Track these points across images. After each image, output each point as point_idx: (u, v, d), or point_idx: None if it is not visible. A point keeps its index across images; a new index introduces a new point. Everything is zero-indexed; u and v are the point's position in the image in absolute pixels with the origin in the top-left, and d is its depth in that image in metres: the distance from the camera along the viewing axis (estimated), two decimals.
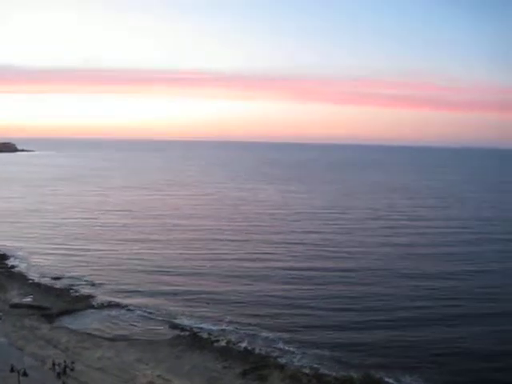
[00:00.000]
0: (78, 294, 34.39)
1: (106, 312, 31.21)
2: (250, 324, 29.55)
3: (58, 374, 22.38)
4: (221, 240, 50.85)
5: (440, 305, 32.98)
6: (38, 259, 42.88)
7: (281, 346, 26.87)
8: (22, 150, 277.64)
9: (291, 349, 26.48)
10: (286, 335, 28.09)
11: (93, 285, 36.24)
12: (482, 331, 28.64)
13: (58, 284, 36.42)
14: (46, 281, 37.00)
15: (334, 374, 23.87)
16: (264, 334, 28.25)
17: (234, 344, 26.89)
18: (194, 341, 27.10)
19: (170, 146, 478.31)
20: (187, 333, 28.17)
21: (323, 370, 24.17)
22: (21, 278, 37.66)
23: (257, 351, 26.10)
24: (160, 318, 30.31)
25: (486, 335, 28.08)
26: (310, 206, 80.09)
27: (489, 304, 33.36)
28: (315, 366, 24.64)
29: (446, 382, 23.52)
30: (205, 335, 27.86)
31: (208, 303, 32.90)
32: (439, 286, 37.14)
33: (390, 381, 23.43)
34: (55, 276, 38.11)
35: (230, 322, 29.67)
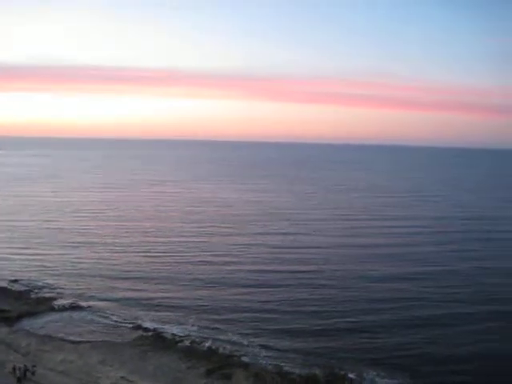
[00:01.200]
0: (38, 296, 34.02)
1: (67, 314, 31.03)
2: (213, 325, 29.94)
3: (19, 379, 22.20)
4: (182, 242, 50.69)
5: (403, 306, 33.85)
6: None
7: (245, 345, 27.34)
8: None
9: (255, 348, 26.97)
10: (249, 335, 28.59)
11: (53, 288, 35.85)
12: (445, 333, 29.60)
13: (17, 287, 35.81)
14: (3, 284, 36.17)
15: (297, 371, 24.45)
16: (228, 334, 28.70)
17: (197, 344, 27.20)
18: (158, 341, 27.30)
19: (128, 145, 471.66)
20: (150, 334, 28.36)
21: (287, 369, 24.76)
22: None
23: (221, 351, 26.50)
24: (123, 320, 30.37)
25: (450, 336, 29.06)
26: (274, 205, 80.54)
27: (453, 304, 34.40)
28: (279, 364, 25.18)
29: (409, 378, 24.25)
30: (168, 336, 28.09)
31: (171, 305, 33.10)
32: (403, 287, 37.99)
33: (353, 377, 24.12)
34: (14, 279, 37.34)
35: (194, 324, 29.99)
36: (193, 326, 29.56)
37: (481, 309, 33.13)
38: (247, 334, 28.61)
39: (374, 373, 24.49)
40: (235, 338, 28.12)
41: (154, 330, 28.74)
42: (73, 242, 49.77)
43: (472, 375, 24.65)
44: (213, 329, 29.27)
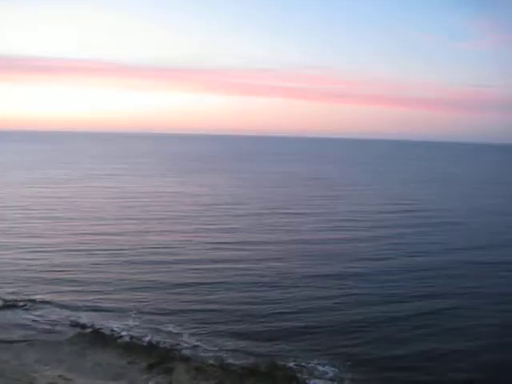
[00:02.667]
0: None
1: (0, 313, 30.09)
2: (154, 320, 30.06)
3: None
4: (119, 240, 49.88)
5: (345, 302, 34.50)
6: None
7: (186, 339, 27.73)
8: None
9: (196, 341, 27.38)
10: (190, 328, 28.98)
11: None
12: (389, 326, 30.55)
13: None
14: None
15: (239, 363, 25.01)
16: (168, 328, 28.96)
17: (137, 339, 27.32)
18: (96, 338, 27.23)
19: (59, 138, 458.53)
20: (89, 330, 28.23)
21: (229, 360, 25.31)
22: None
23: (161, 345, 26.76)
24: (60, 318, 30.02)
25: (394, 331, 29.97)
26: (210, 200, 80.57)
27: (394, 290, 35.90)
28: (221, 356, 25.69)
29: (351, 367, 25.10)
30: (107, 332, 28.05)
31: (110, 303, 32.81)
32: (346, 283, 38.62)
33: (294, 366, 24.89)
34: None
35: (134, 319, 30.02)
36: (133, 321, 29.65)
37: (421, 305, 34.12)
38: (188, 329, 28.93)
39: (316, 361, 25.37)
40: (176, 332, 28.43)
41: (93, 326, 28.62)
42: (14, 238, 48.63)
43: (412, 367, 25.69)
44: (153, 324, 29.44)
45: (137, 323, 29.30)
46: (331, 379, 23.69)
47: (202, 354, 25.88)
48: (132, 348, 26.10)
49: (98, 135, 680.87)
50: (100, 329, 28.30)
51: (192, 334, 28.08)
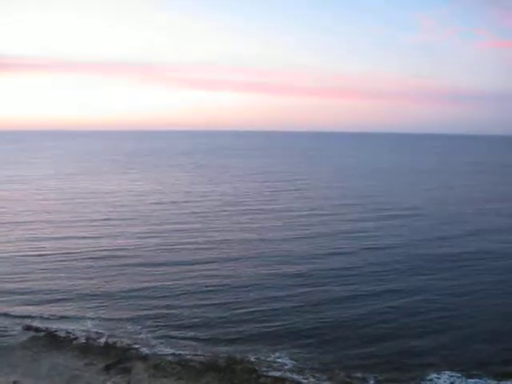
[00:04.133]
0: None
1: None
2: (110, 320, 30.27)
3: None
4: (70, 238, 49.55)
5: (302, 292, 35.39)
6: None
7: (143, 337, 28.05)
8: None
9: (154, 340, 27.72)
10: (147, 328, 29.25)
11: None
12: (351, 314, 31.63)
13: None
14: None
15: (198, 359, 25.49)
16: (124, 327, 29.24)
17: (94, 340, 27.44)
18: (51, 341, 27.23)
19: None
20: (43, 333, 28.17)
21: (188, 357, 25.77)
22: None
23: (118, 345, 26.98)
24: (12, 321, 29.83)
25: (354, 317, 31.12)
26: (164, 195, 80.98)
27: (353, 287, 36.45)
28: (179, 353, 26.14)
29: (310, 358, 25.87)
30: (62, 334, 28.05)
31: (63, 304, 32.80)
32: (304, 271, 39.89)
33: (254, 359, 25.55)
34: None
35: (89, 320, 30.11)
36: (89, 323, 29.66)
37: (379, 301, 34.87)
38: (146, 328, 29.21)
39: (276, 355, 26.04)
40: (133, 330, 28.74)
41: (47, 329, 28.57)
42: None
43: (368, 356, 26.61)
44: (109, 324, 29.65)
45: (93, 325, 29.39)
46: (290, 370, 24.48)
47: (160, 351, 26.25)
48: (88, 349, 26.23)
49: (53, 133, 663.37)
50: (55, 332, 28.25)
51: (149, 333, 28.39)
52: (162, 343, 27.20)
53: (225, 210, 66.16)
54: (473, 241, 50.44)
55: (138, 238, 50.10)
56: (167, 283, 36.74)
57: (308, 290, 35.62)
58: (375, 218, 61.67)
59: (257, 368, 24.41)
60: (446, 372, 24.45)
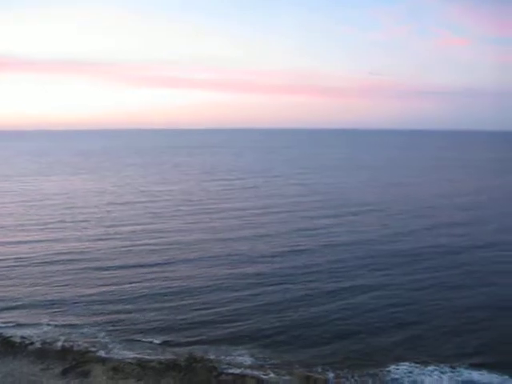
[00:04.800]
0: None
1: None
2: (66, 323, 30.13)
3: None
4: (23, 243, 48.63)
5: (261, 292, 35.74)
6: None
7: (100, 340, 28.02)
8: None
9: (112, 342, 27.73)
10: (104, 330, 29.22)
11: None
12: (310, 312, 32.11)
13: None
14: None
15: (158, 359, 25.64)
16: (81, 331, 29.10)
17: (50, 344, 27.29)
18: (6, 347, 26.92)
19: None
20: None
21: (147, 357, 25.90)
22: None
23: (75, 348, 26.88)
24: None
25: (316, 316, 31.56)
26: (118, 196, 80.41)
27: (311, 285, 36.98)
28: (138, 354, 26.26)
29: (270, 354, 26.43)
30: (17, 340, 27.74)
31: (17, 309, 32.40)
32: (262, 270, 40.38)
33: (213, 357, 25.86)
34: None
35: (43, 325, 29.83)
36: (44, 327, 29.41)
37: (335, 286, 36.39)
38: (103, 330, 29.18)
39: (236, 352, 26.46)
40: (90, 334, 28.66)
41: (1, 335, 28.19)
42: None
43: (327, 347, 27.58)
44: (66, 328, 29.44)
45: (49, 329, 29.16)
46: (250, 367, 24.92)
47: (118, 354, 26.28)
48: (44, 354, 25.99)
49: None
50: (9, 338, 27.89)
51: (107, 336, 28.38)
52: (121, 346, 27.21)
53: (180, 210, 66.16)
54: (428, 235, 51.95)
55: (93, 240, 49.60)
56: (124, 286, 36.59)
57: (267, 289, 36.04)
58: (332, 215, 62.63)
59: (217, 366, 24.74)
60: (405, 363, 25.36)
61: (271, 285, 36.77)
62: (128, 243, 48.43)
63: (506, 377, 24.12)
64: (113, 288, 36.16)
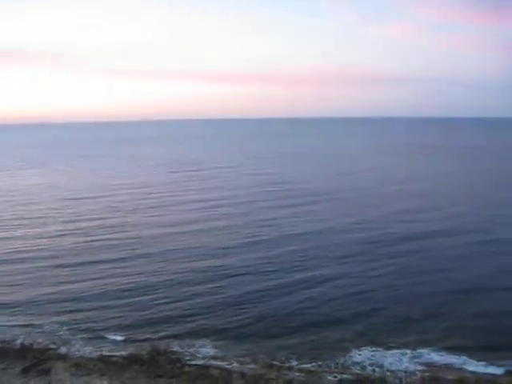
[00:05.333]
0: None
1: None
2: (24, 322, 29.81)
3: None
4: None
5: (227, 282, 36.23)
6: None
7: (61, 337, 27.82)
8: None
9: (73, 339, 27.56)
10: (65, 328, 28.97)
11: None
12: (272, 303, 32.50)
13: None
14: None
15: (120, 354, 25.77)
16: (41, 329, 28.81)
17: (8, 343, 27.00)
18: None
19: None
20: None
21: (109, 353, 25.95)
22: None
23: (35, 346, 26.66)
24: None
25: (278, 307, 31.99)
26: (74, 190, 79.22)
27: (273, 275, 37.45)
28: (100, 349, 26.26)
29: (232, 344, 26.89)
30: None
31: None
32: (223, 263, 40.57)
33: (177, 350, 26.09)
34: None
35: (1, 324, 29.37)
36: (1, 326, 28.97)
37: (293, 280, 36.62)
38: (64, 328, 28.91)
39: (199, 343, 26.83)
40: (50, 331, 28.44)
41: None
42: None
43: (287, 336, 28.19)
44: (25, 326, 29.16)
45: (7, 328, 28.78)
46: (214, 357, 25.26)
47: (80, 350, 26.20)
48: (4, 353, 25.61)
49: None
50: None
51: (68, 333, 28.20)
52: (82, 342, 27.09)
53: (138, 204, 65.74)
54: (389, 222, 53.24)
55: (52, 237, 49.01)
56: (85, 283, 36.28)
57: (228, 281, 36.33)
58: (290, 205, 63.44)
59: (180, 358, 24.99)
60: (367, 348, 26.24)
61: (232, 277, 37.08)
62: (87, 239, 47.96)
63: (465, 357, 25.14)
64: (72, 285, 35.82)
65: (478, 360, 24.86)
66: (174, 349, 26.17)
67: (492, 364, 24.47)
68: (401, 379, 23.00)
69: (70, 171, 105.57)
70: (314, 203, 64.65)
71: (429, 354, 25.55)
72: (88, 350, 26.14)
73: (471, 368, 24.26)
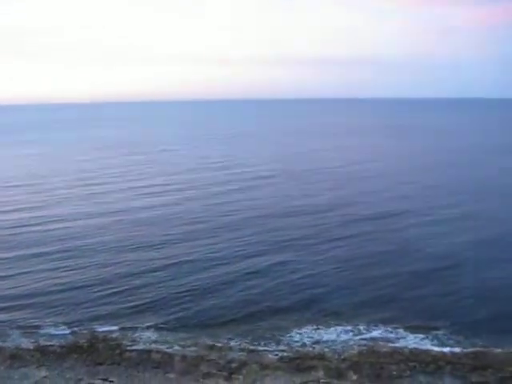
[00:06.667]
0: None
1: None
2: None
3: None
4: None
5: (169, 271, 36.38)
6: None
7: None
8: None
9: (8, 329, 27.33)
10: None
11: None
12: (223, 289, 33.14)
13: None
14: None
15: (59, 343, 25.64)
16: None
17: None
18: None
19: None
20: None
21: (47, 342, 25.80)
22: None
23: None
24: None
25: (216, 294, 32.56)
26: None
27: (217, 262, 37.94)
28: (38, 340, 26.08)
29: (175, 328, 27.38)
30: None
31: None
32: (166, 244, 41.46)
33: (117, 336, 26.31)
34: None
35: None
36: None
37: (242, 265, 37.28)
38: None
39: (140, 328, 27.18)
40: None
41: None
42: None
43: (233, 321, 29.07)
44: None
45: None
46: (155, 342, 25.63)
47: (16, 341, 26.00)
48: None
49: None
50: None
51: (2, 324, 27.94)
52: (18, 333, 26.86)
53: (73, 193, 63.79)
54: (335, 206, 54.73)
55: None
56: (21, 276, 35.63)
57: (170, 270, 36.24)
58: (233, 190, 63.63)
59: (121, 344, 25.18)
60: (307, 327, 27.31)
61: (173, 265, 37.10)
62: (23, 230, 46.91)
63: (402, 332, 26.77)
64: (6, 280, 35.11)
65: (415, 334, 26.45)
66: (114, 335, 26.34)
67: (427, 338, 26.09)
68: (339, 353, 24.14)
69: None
70: (252, 188, 65.11)
71: (367, 330, 26.92)
72: (25, 341, 25.94)
73: (407, 341, 25.74)
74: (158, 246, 41.28)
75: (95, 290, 32.84)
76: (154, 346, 25.16)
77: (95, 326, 27.68)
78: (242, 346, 25.05)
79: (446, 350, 24.65)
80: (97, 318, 28.82)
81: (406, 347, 24.92)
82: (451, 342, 25.63)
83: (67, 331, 27.27)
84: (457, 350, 24.66)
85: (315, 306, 30.29)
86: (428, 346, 25.24)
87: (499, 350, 24.44)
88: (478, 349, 24.71)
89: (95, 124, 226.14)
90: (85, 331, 27.07)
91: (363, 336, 26.35)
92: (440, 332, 26.64)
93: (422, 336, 26.26)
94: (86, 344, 25.27)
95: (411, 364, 23.18)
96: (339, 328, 27.17)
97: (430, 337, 26.20)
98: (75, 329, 27.49)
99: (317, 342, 25.54)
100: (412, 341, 25.78)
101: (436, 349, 24.81)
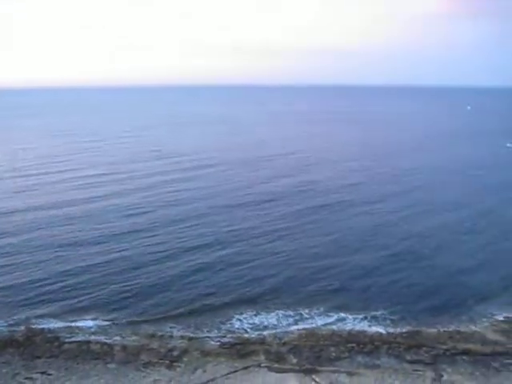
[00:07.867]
0: None
1: None
2: None
3: None
4: None
5: (110, 256, 36.44)
6: None
7: None
8: None
9: None
10: None
11: None
12: (154, 276, 33.37)
13: None
14: None
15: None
16: None
17: None
18: None
19: None
20: None
21: None
22: None
23: None
24: None
25: (160, 281, 32.80)
26: None
27: (156, 247, 38.26)
28: None
29: (116, 321, 27.29)
30: None
31: None
32: (105, 234, 41.17)
33: (54, 328, 26.10)
34: None
35: None
36: None
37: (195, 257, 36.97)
38: None
39: (80, 319, 27.11)
40: None
41: None
42: None
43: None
44: None
45: None
46: (94, 333, 25.60)
47: None
48: None
49: None
50: None
51: None
52: None
53: (16, 183, 60.98)
54: (291, 194, 55.39)
55: None
56: None
57: (109, 258, 36.18)
58: (178, 179, 63.15)
59: (59, 336, 25.07)
60: (248, 313, 28.03)
61: (115, 260, 36.42)
62: None
63: (342, 315, 27.87)
64: None
65: (353, 316, 27.61)
66: (52, 328, 26.11)
67: (365, 319, 27.28)
68: (279, 338, 24.88)
69: None
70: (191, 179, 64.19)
71: (309, 314, 27.76)
72: None
73: (346, 324, 26.81)
74: (97, 241, 40.12)
75: (31, 287, 31.79)
76: (93, 337, 25.15)
77: (32, 321, 27.25)
78: (183, 334, 25.40)
79: (383, 330, 25.86)
80: (34, 314, 28.18)
81: (344, 329, 25.97)
82: (388, 322, 26.89)
83: (2, 326, 26.83)
84: (392, 330, 25.92)
85: (257, 294, 30.78)
86: (365, 327, 26.36)
87: (432, 330, 25.86)
88: (412, 328, 26.07)
89: (59, 110, 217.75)
90: (21, 325, 26.61)
91: (304, 321, 27.20)
92: (377, 313, 27.86)
93: (360, 317, 27.41)
94: (22, 338, 24.98)
95: (349, 345, 24.24)
96: (280, 313, 27.94)
97: (369, 317, 27.41)
98: (11, 323, 27.03)
99: (257, 328, 26.22)
100: (351, 323, 26.87)
101: (373, 329, 25.98)
